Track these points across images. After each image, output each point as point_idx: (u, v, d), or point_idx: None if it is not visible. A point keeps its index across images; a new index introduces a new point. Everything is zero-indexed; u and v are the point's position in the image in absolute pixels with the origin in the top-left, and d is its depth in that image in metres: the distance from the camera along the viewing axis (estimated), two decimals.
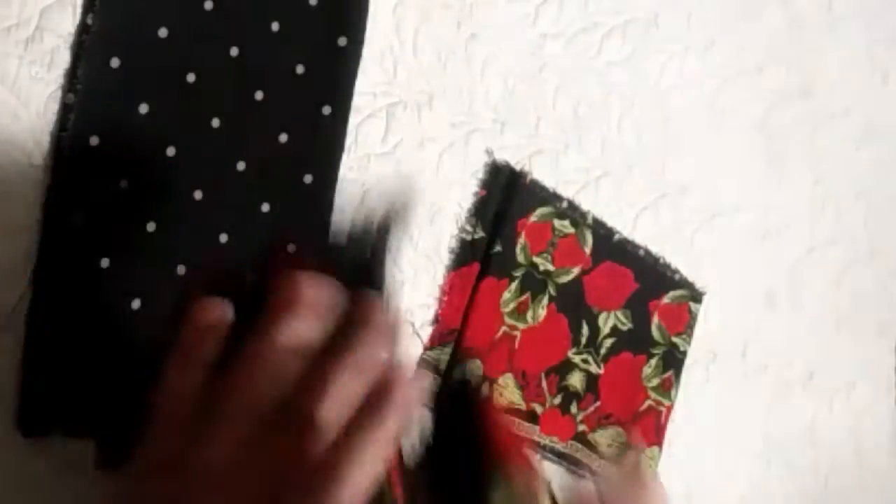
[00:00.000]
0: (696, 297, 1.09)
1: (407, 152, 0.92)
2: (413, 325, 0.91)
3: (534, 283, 0.97)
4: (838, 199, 1.27)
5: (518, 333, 0.96)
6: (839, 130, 1.28)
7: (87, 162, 0.75)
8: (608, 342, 1.02)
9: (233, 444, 0.45)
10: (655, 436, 1.05)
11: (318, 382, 0.46)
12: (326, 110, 0.85)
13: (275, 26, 0.84)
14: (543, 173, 0.99)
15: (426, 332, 0.92)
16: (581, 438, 1.00)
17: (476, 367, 0.90)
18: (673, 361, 1.07)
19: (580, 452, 0.99)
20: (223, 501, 0.44)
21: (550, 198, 0.99)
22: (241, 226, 0.82)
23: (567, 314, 0.99)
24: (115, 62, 0.76)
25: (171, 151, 0.79)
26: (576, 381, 0.99)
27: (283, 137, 0.84)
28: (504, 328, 0.95)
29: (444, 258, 0.93)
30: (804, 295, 1.22)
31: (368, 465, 0.45)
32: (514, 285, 0.95)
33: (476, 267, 0.94)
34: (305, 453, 0.44)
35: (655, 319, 1.05)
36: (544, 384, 0.97)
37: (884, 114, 1.33)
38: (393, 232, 0.64)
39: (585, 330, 1.00)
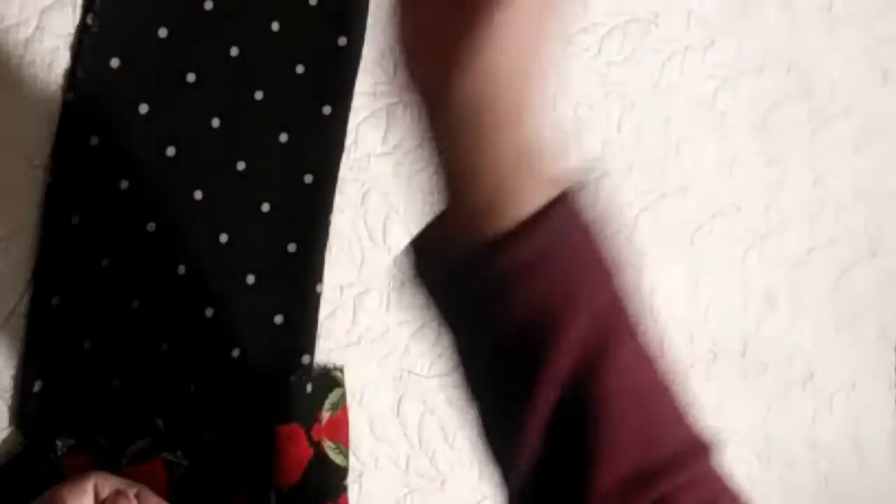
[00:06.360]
0: None
1: (407, 152, 0.92)
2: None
3: None
4: (838, 199, 1.27)
5: None
6: (839, 130, 1.28)
7: (87, 162, 0.75)
8: None
9: None
10: None
11: None
12: (326, 110, 0.85)
13: (275, 26, 0.84)
14: None
15: None
16: None
17: None
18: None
19: None
20: None
21: None
22: (241, 226, 0.82)
23: None
24: (115, 62, 0.77)
25: (171, 151, 0.79)
26: None
27: (283, 137, 0.84)
28: None
29: None
30: (804, 295, 1.22)
31: None
32: None
33: None
34: None
35: None
36: None
37: (884, 114, 1.32)
38: None
39: None
